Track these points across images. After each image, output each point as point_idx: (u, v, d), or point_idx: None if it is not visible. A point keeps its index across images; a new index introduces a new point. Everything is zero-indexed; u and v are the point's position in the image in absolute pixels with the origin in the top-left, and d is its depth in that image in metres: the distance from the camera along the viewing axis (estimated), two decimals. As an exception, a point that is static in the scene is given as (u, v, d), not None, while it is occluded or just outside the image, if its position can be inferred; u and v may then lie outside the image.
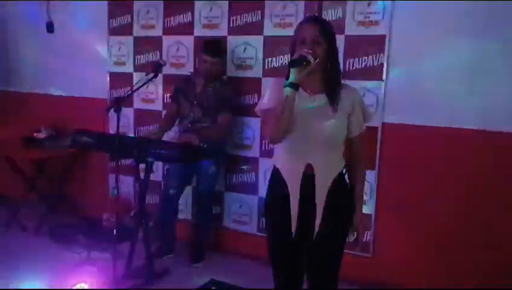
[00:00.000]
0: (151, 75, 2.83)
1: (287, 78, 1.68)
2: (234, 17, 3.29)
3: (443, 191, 2.79)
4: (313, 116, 1.74)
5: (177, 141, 3.01)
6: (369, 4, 2.86)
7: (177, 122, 3.31)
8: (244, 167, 3.37)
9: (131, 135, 3.75)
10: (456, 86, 2.71)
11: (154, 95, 3.69)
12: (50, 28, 4.00)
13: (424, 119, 2.80)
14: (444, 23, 2.71)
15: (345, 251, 1.88)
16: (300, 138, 1.74)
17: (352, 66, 2.93)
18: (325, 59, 1.73)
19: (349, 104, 1.78)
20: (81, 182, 4.08)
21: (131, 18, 3.71)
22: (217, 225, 3.51)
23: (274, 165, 1.87)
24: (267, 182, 1.93)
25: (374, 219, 2.98)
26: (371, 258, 3.00)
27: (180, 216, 3.50)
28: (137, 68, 3.73)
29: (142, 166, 2.89)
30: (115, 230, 2.69)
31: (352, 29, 2.91)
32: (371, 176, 2.91)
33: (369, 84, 2.90)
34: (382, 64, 2.86)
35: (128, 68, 3.77)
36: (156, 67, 2.86)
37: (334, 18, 2.92)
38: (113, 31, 3.80)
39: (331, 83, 1.77)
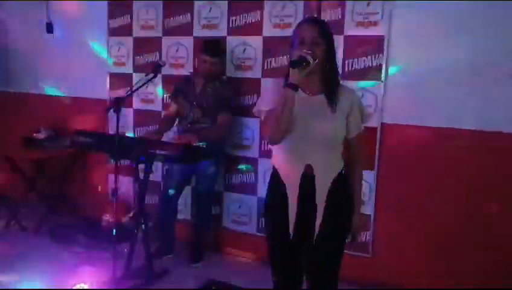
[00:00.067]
0: (151, 75, 2.82)
1: (286, 79, 1.68)
2: (233, 18, 3.29)
3: (442, 191, 2.79)
4: (312, 117, 1.74)
5: (176, 141, 3.02)
6: (368, 4, 2.86)
7: (176, 122, 3.31)
8: (243, 167, 3.37)
9: (131, 135, 3.75)
10: (455, 87, 2.71)
11: (153, 96, 3.69)
12: (50, 28, 4.02)
13: (423, 120, 2.81)
14: (444, 24, 2.70)
15: (344, 251, 1.88)
16: (299, 139, 1.74)
17: (352, 67, 2.93)
18: (324, 60, 1.74)
19: (347, 104, 1.79)
20: (81, 182, 4.08)
21: (131, 18, 3.71)
22: (216, 225, 3.51)
23: (273, 166, 1.87)
24: (266, 183, 1.93)
25: (373, 219, 2.98)
26: (371, 259, 3.01)
27: (180, 216, 3.51)
28: (136, 69, 3.73)
29: (141, 166, 2.89)
30: (114, 230, 2.70)
31: (351, 29, 2.91)
32: (370, 176, 2.92)
33: (368, 84, 2.90)
34: (381, 65, 2.86)
35: (128, 69, 3.77)
36: (155, 68, 2.85)
37: (333, 18, 2.92)
38: (113, 32, 3.81)
39: (329, 84, 1.78)
